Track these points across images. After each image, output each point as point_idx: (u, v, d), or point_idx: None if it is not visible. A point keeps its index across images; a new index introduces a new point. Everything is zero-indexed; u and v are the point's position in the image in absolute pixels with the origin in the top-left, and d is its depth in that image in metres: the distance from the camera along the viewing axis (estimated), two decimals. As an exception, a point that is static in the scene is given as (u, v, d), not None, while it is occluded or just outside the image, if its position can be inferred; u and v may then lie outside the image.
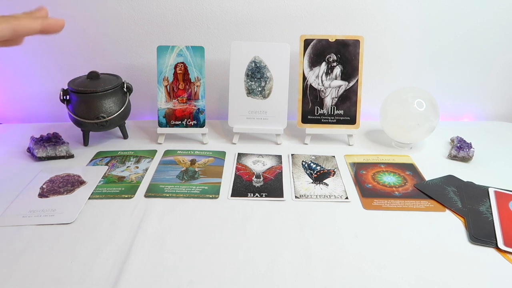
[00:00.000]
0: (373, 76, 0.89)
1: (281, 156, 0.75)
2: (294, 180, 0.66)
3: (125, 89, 0.78)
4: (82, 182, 0.65)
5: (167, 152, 0.75)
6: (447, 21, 0.85)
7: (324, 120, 0.79)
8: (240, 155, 0.75)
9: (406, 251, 0.50)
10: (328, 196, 0.62)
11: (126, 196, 0.61)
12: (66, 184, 0.64)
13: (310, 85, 0.78)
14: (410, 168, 0.71)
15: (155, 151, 0.76)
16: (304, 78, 0.78)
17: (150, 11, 0.83)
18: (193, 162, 0.72)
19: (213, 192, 0.63)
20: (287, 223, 0.55)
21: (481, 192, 0.63)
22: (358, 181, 0.66)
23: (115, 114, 0.74)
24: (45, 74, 0.88)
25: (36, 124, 0.89)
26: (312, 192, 0.63)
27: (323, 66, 0.77)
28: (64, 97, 0.74)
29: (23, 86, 0.89)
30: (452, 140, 0.80)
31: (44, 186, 0.63)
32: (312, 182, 0.66)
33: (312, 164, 0.71)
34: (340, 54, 0.77)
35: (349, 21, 0.85)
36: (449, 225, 0.55)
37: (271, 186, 0.64)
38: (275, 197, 0.62)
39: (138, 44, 0.86)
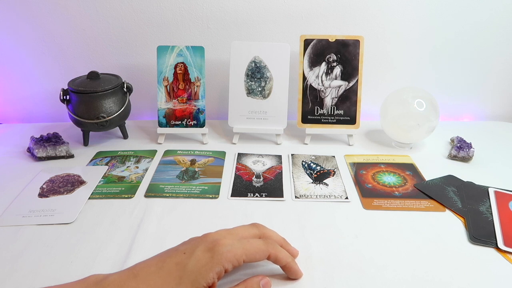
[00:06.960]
0: (373, 76, 0.89)
1: (281, 156, 0.75)
2: (294, 180, 0.66)
3: (125, 89, 0.78)
4: (82, 182, 0.65)
5: (167, 152, 0.75)
6: (447, 21, 0.85)
7: (324, 120, 0.79)
8: (240, 155, 0.75)
9: (406, 251, 0.50)
10: (328, 196, 0.62)
11: (126, 196, 0.62)
12: (66, 184, 0.64)
13: (310, 85, 0.78)
14: (410, 168, 0.71)
15: (155, 151, 0.76)
16: (304, 78, 0.78)
17: (150, 11, 0.83)
18: (193, 162, 0.72)
19: (213, 192, 0.63)
20: (287, 223, 0.55)
21: (481, 192, 0.63)
22: (358, 181, 0.66)
23: (115, 114, 0.75)
24: (45, 74, 0.88)
25: (36, 124, 0.89)
26: (312, 192, 0.63)
27: (323, 66, 0.77)
28: (64, 97, 0.74)
29: (23, 86, 0.89)
30: (452, 140, 0.80)
31: (44, 186, 0.63)
32: (312, 182, 0.66)
33: (312, 164, 0.71)
34: (340, 54, 0.77)
35: (349, 21, 0.85)
36: (449, 225, 0.55)
37: (271, 186, 0.64)
38: (275, 197, 0.62)
39: (138, 44, 0.86)
